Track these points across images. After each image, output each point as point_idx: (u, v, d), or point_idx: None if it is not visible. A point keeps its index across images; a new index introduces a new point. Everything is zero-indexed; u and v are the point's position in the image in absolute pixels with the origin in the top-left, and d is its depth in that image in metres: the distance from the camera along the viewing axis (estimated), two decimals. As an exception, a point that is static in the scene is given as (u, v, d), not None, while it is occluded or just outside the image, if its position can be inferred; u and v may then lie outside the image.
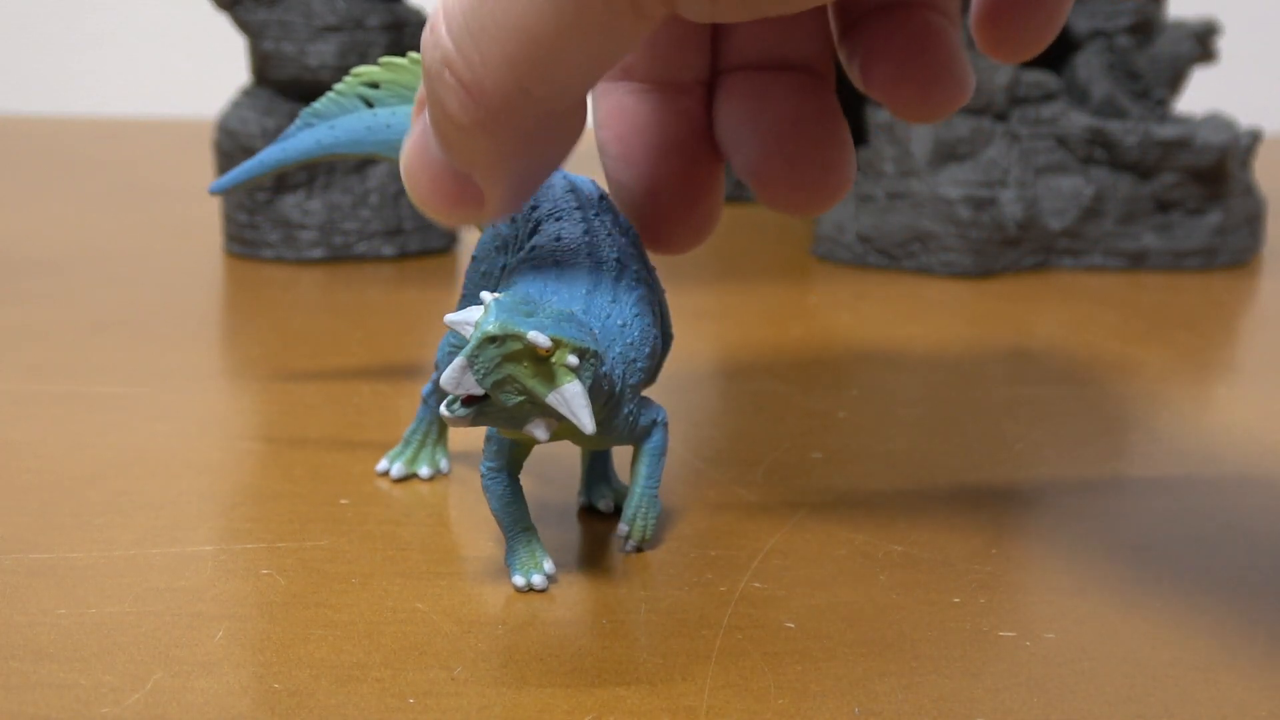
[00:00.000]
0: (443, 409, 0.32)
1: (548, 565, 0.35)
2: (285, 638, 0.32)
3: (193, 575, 0.35)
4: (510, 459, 0.35)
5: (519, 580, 0.35)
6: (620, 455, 0.40)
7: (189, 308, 0.61)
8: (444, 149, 0.31)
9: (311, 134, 0.42)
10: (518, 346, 0.31)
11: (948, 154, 0.69)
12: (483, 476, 0.35)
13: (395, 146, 0.41)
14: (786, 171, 0.35)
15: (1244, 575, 0.36)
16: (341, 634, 0.32)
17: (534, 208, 0.37)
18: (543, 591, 0.35)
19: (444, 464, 0.42)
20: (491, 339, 0.31)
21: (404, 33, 0.70)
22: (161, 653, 0.31)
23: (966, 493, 0.42)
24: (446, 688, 0.30)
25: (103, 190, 0.84)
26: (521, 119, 0.30)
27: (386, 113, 0.41)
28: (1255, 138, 0.72)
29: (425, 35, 0.30)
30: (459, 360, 0.31)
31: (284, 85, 0.69)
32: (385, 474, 0.41)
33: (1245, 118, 0.92)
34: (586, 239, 0.36)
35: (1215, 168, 0.70)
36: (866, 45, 0.34)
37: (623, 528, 0.37)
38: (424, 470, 0.41)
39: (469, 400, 0.32)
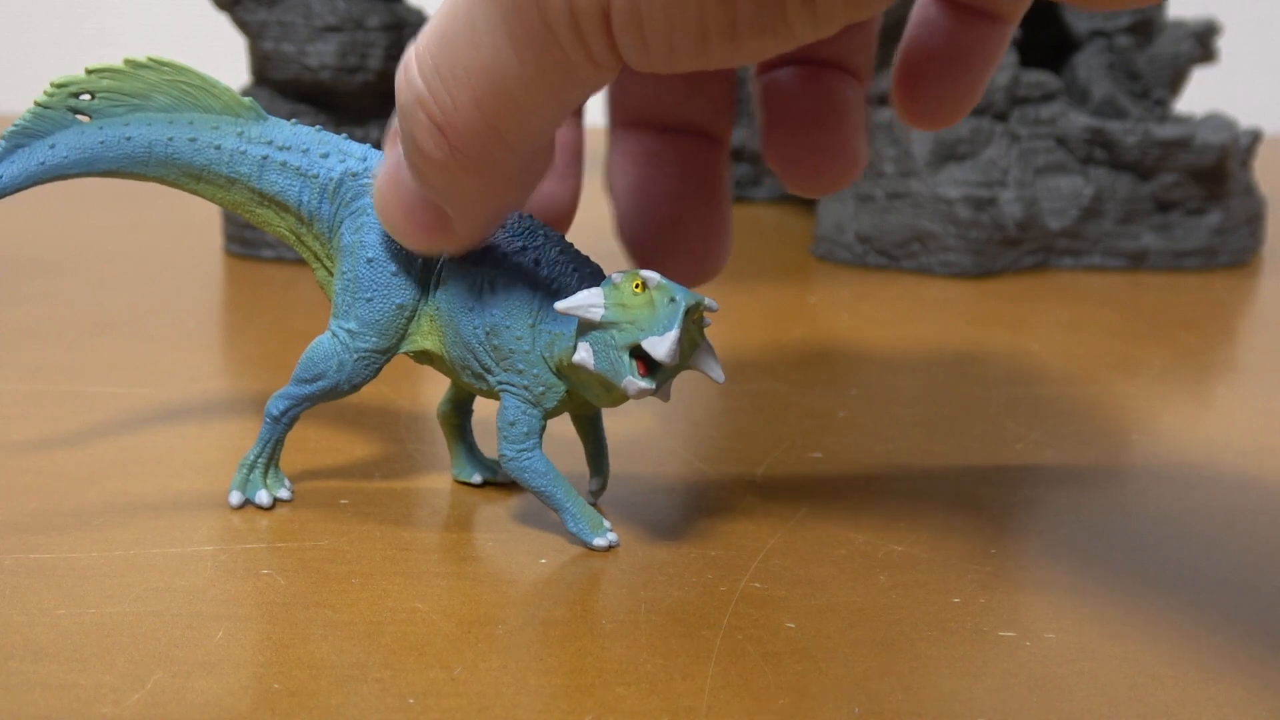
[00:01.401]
0: (639, 384, 0.34)
1: (606, 521, 0.37)
2: (285, 638, 0.32)
3: (193, 575, 0.35)
4: (540, 436, 0.37)
5: (600, 542, 0.37)
6: (624, 453, 0.40)
7: (189, 308, 0.61)
8: (417, 180, 0.33)
9: (29, 156, 0.38)
10: (697, 313, 0.35)
11: (947, 154, 0.69)
12: (514, 459, 0.37)
13: (141, 161, 0.39)
14: (668, 243, 0.38)
15: (1244, 574, 0.36)
16: (341, 634, 0.32)
17: None
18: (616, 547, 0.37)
19: (284, 491, 0.39)
20: (688, 310, 0.34)
21: (404, 33, 0.70)
22: (161, 653, 0.31)
23: (966, 492, 0.42)
24: (446, 688, 0.30)
25: (103, 190, 0.84)
26: (492, 156, 0.31)
27: (118, 125, 0.38)
28: (1255, 138, 0.72)
29: (399, 75, 0.32)
30: (674, 334, 0.34)
31: (284, 85, 0.69)
32: (240, 505, 0.39)
33: (1245, 118, 0.92)
34: (526, 221, 0.38)
35: (1215, 168, 0.70)
36: (769, 109, 0.36)
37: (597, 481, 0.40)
38: (263, 497, 0.39)
39: (646, 370, 0.35)
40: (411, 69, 0.31)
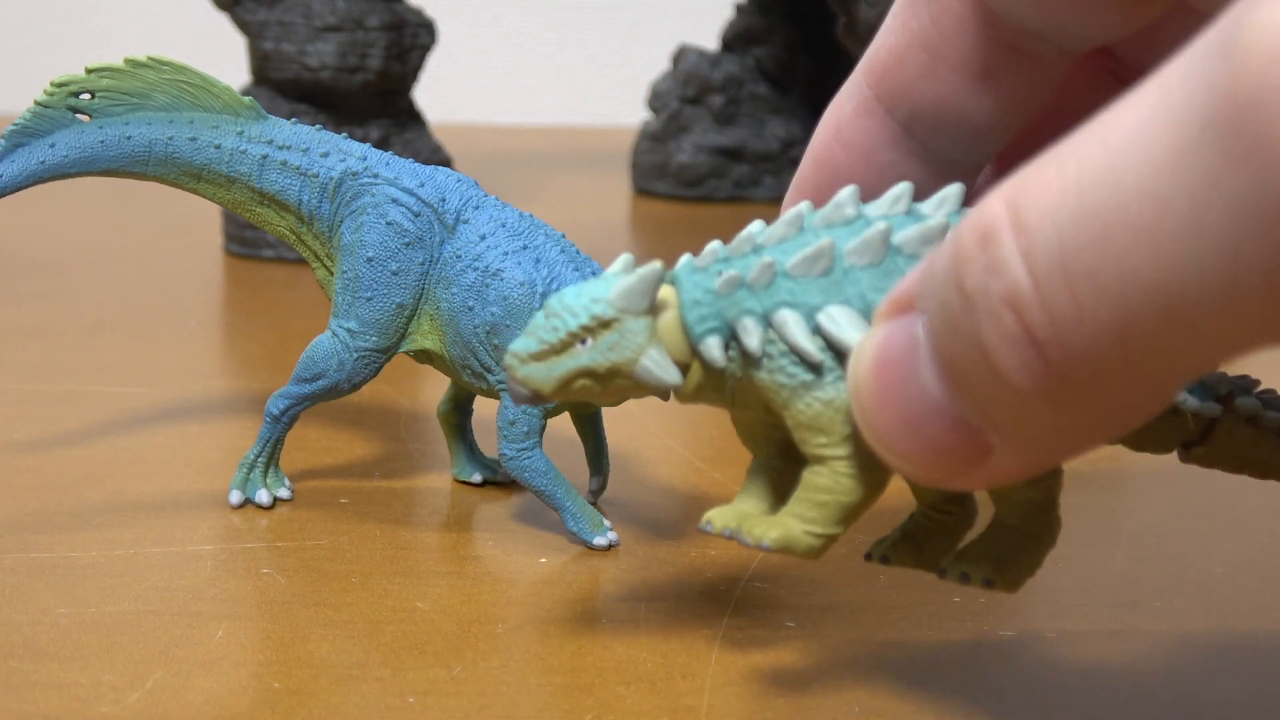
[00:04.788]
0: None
1: (606, 521, 0.37)
2: (285, 637, 0.32)
3: (192, 575, 0.35)
4: (540, 435, 0.37)
5: (600, 541, 0.37)
6: (625, 451, 0.40)
7: (189, 308, 0.61)
8: (955, 393, 0.23)
9: (29, 156, 0.38)
10: None
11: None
12: (514, 459, 0.37)
13: (141, 160, 0.39)
14: None
15: (1245, 573, 0.36)
16: (341, 633, 0.32)
17: (443, 199, 0.38)
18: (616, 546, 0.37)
19: (284, 491, 0.39)
20: None
21: (403, 33, 0.70)
22: (161, 652, 0.31)
23: (966, 493, 0.41)
24: (446, 687, 0.30)
25: (103, 190, 0.84)
26: (1107, 397, 0.21)
27: (118, 124, 0.38)
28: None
29: (970, 240, 0.21)
30: None
31: (284, 85, 0.69)
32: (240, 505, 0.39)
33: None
34: (526, 221, 0.38)
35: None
36: None
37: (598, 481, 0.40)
38: (263, 496, 0.39)
39: None
40: (1005, 242, 0.21)
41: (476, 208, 0.38)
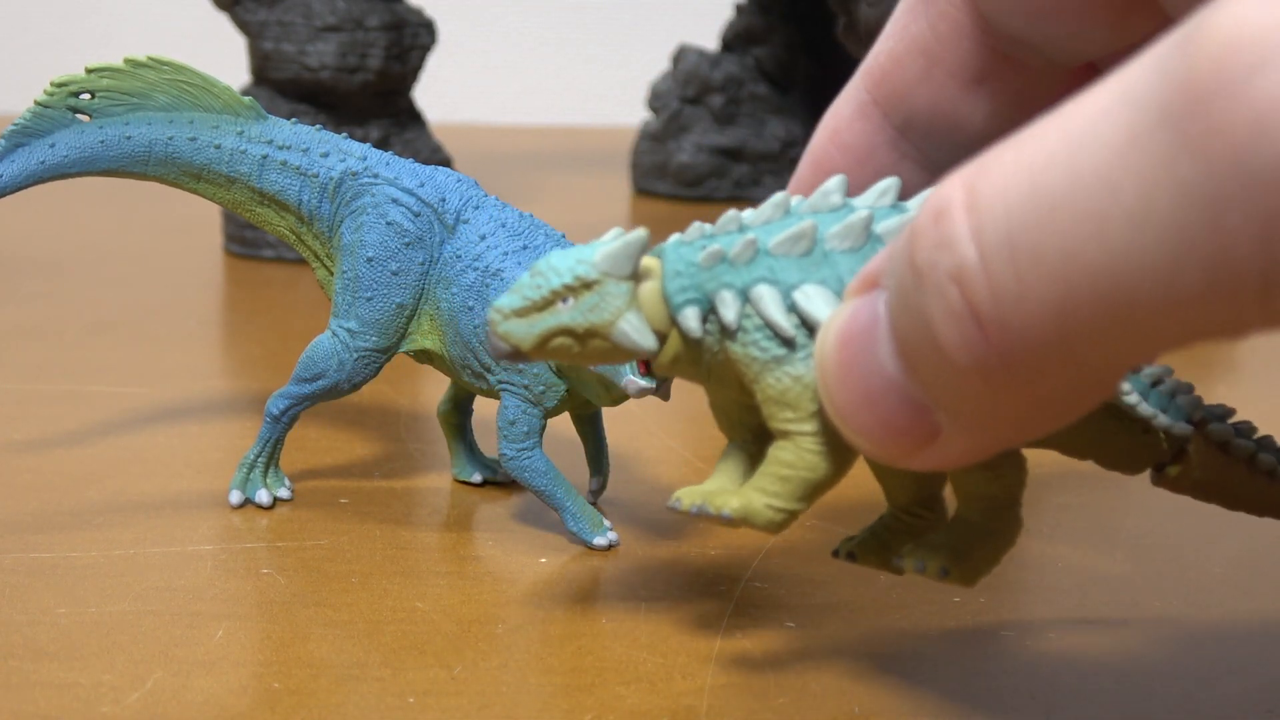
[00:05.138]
0: (639, 383, 0.34)
1: (606, 521, 0.37)
2: (285, 637, 0.32)
3: (192, 575, 0.35)
4: (540, 435, 0.37)
5: (600, 541, 0.37)
6: (627, 444, 0.40)
7: (189, 308, 0.61)
8: (907, 372, 0.23)
9: (29, 156, 0.38)
10: None
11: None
12: (514, 459, 0.37)
13: (141, 160, 0.39)
14: None
15: (1244, 573, 0.36)
16: (341, 633, 0.32)
17: (443, 199, 0.38)
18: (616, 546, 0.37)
19: (284, 491, 0.39)
20: None
21: (403, 33, 0.70)
22: (161, 652, 0.31)
23: (966, 493, 0.41)
24: (446, 687, 0.30)
25: (103, 190, 0.84)
26: (1044, 379, 0.22)
27: (118, 124, 0.38)
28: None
29: (927, 219, 0.22)
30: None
31: (284, 85, 0.69)
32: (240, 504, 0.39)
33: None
34: (526, 221, 0.38)
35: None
36: None
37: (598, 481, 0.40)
38: (263, 496, 0.39)
39: (646, 369, 0.30)
40: (958, 221, 0.21)
41: (476, 208, 0.38)
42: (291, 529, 0.38)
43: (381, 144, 0.69)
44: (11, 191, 0.39)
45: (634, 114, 1.01)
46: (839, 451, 0.27)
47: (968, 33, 0.29)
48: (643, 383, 0.34)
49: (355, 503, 0.40)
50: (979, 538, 0.28)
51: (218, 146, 0.39)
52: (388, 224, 0.38)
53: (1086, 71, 0.30)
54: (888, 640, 0.33)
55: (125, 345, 0.54)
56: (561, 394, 0.37)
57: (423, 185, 0.38)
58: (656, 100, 0.90)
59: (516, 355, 0.28)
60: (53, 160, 0.39)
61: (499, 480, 0.41)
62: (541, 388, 0.37)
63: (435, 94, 0.93)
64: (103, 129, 0.39)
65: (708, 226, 0.28)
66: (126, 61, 0.38)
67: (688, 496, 0.29)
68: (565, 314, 0.27)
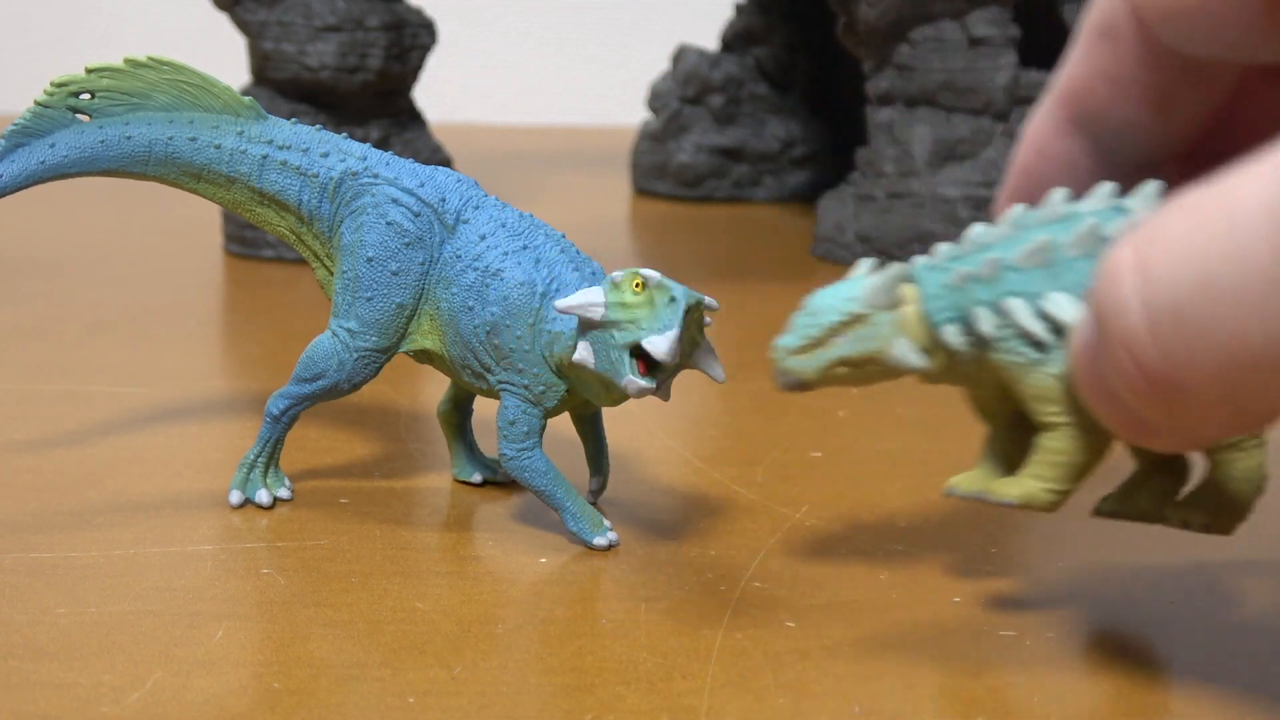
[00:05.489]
0: (639, 383, 0.34)
1: (606, 521, 0.37)
2: (285, 637, 0.32)
3: (192, 575, 0.35)
4: (540, 435, 0.37)
5: (600, 541, 0.37)
6: (628, 440, 0.40)
7: (189, 308, 0.61)
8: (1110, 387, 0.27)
9: (29, 156, 0.38)
10: (697, 312, 0.35)
11: (948, 154, 0.69)
12: (514, 459, 0.37)
13: (141, 160, 0.39)
14: None
15: (1244, 572, 0.36)
16: (341, 633, 0.32)
17: (443, 199, 0.38)
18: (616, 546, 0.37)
19: (284, 491, 0.39)
20: (689, 309, 0.34)
21: (403, 33, 0.70)
22: (161, 652, 0.31)
23: (966, 492, 0.41)
24: (446, 687, 0.30)
25: (103, 190, 0.84)
26: (1213, 418, 0.25)
27: (118, 124, 0.38)
28: (1256, 138, 0.72)
29: (1106, 278, 0.25)
30: (674, 333, 0.34)
31: (284, 85, 0.69)
32: (240, 505, 0.39)
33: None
34: (526, 221, 0.38)
35: (1216, 168, 0.70)
36: None
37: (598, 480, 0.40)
38: (263, 496, 0.39)
39: (646, 370, 0.34)
40: (1130, 286, 0.25)
41: (476, 208, 0.38)
42: (291, 529, 0.38)
43: (381, 144, 0.69)
44: (11, 191, 0.39)
45: (634, 114, 1.01)
46: (1099, 435, 0.31)
47: (1149, 61, 0.31)
48: (643, 383, 0.34)
49: (355, 503, 0.40)
50: (1230, 497, 0.32)
51: (218, 146, 0.39)
52: (388, 224, 0.38)
53: (1267, 73, 0.32)
54: (888, 640, 0.33)
55: (125, 345, 0.54)
56: (561, 394, 0.37)
57: (423, 185, 0.38)
58: (656, 100, 0.90)
59: (802, 387, 0.32)
60: (53, 160, 0.39)
61: (499, 480, 0.41)
62: (541, 388, 0.37)
63: (435, 94, 0.93)
64: (103, 129, 0.39)
65: (951, 248, 0.31)
66: (126, 61, 0.38)
67: (965, 484, 0.32)
68: (843, 347, 0.31)
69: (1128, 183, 0.32)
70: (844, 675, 0.31)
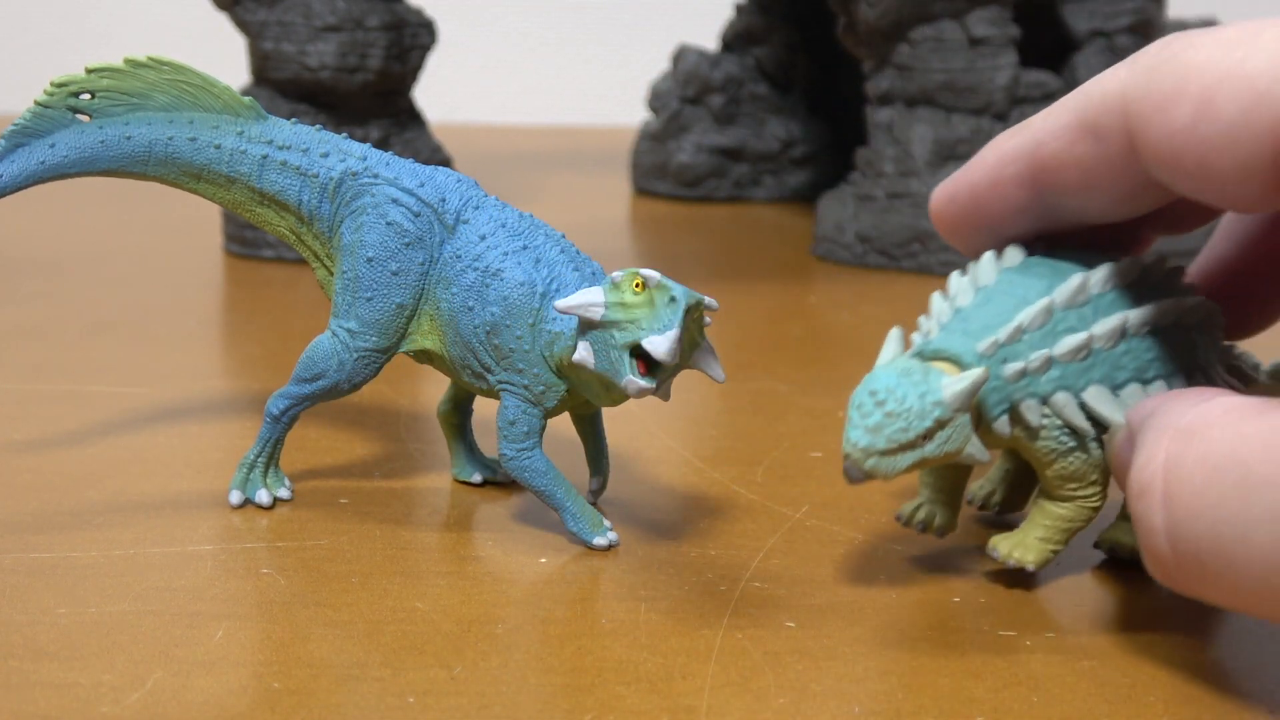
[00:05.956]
0: (639, 383, 0.34)
1: (606, 521, 0.37)
2: (285, 637, 0.32)
3: (192, 575, 0.35)
4: (540, 436, 0.37)
5: (600, 541, 0.37)
6: (630, 439, 0.40)
7: (189, 308, 0.61)
8: None
9: (29, 156, 0.38)
10: (697, 312, 0.35)
11: (948, 154, 0.69)
12: (514, 459, 0.37)
13: (141, 160, 0.39)
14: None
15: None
16: (341, 633, 0.32)
17: (443, 199, 0.38)
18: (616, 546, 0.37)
19: (284, 491, 0.39)
20: (689, 309, 0.34)
21: (403, 33, 0.70)
22: (161, 652, 0.31)
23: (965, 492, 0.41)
24: (446, 687, 0.30)
25: (103, 190, 0.84)
26: (1227, 602, 0.29)
27: (118, 124, 0.38)
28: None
29: (1139, 484, 0.29)
30: (674, 333, 0.34)
31: (284, 85, 0.69)
32: (240, 505, 0.39)
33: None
34: (526, 221, 0.38)
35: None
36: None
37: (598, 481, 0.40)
38: (263, 496, 0.39)
39: (646, 370, 0.35)
40: (1155, 518, 0.29)
41: (476, 208, 0.38)
42: (291, 529, 0.38)
43: (381, 144, 0.69)
44: (11, 191, 0.39)
45: (634, 114, 1.01)
46: (1099, 507, 0.35)
47: (1128, 174, 0.32)
48: (643, 383, 0.34)
49: (355, 503, 0.40)
50: None
51: (218, 146, 0.39)
52: (388, 224, 0.38)
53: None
54: (888, 640, 0.33)
55: (125, 345, 0.54)
56: (561, 394, 0.37)
57: (423, 185, 0.38)
58: (656, 100, 0.90)
59: (871, 479, 0.32)
60: (53, 160, 0.39)
61: (499, 480, 0.41)
62: (541, 388, 0.37)
63: (435, 94, 0.93)
64: (103, 129, 0.39)
65: (999, 335, 0.33)
66: (126, 61, 0.38)
67: (1002, 546, 0.35)
68: (928, 449, 0.32)
69: (1067, 235, 0.35)
70: (844, 675, 0.31)
